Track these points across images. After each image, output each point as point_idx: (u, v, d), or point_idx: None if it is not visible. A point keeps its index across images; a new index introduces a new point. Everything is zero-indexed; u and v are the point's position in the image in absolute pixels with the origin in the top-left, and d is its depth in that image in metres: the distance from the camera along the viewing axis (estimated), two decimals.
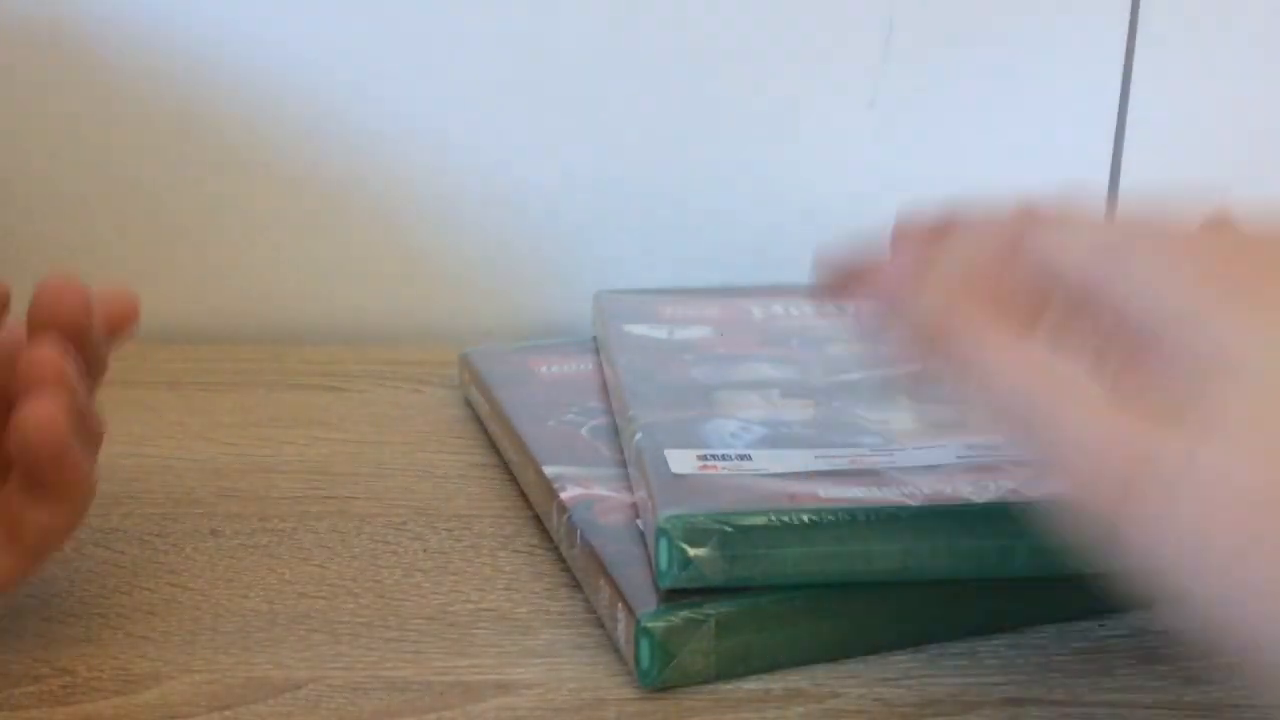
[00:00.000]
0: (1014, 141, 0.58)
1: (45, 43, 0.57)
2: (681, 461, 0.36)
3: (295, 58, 0.58)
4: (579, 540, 0.36)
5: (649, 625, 0.32)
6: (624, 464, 0.41)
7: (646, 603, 0.32)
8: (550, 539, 0.40)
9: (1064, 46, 0.57)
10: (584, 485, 0.39)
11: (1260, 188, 0.59)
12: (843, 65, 0.57)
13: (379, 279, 0.61)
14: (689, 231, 0.60)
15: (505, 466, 0.45)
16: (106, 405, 0.34)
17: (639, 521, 0.36)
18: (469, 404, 0.51)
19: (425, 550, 0.39)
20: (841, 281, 0.34)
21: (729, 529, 0.32)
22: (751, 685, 0.32)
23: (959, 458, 0.36)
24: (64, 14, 0.57)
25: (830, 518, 0.32)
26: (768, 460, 0.36)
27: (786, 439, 0.38)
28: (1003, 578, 0.34)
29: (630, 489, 0.39)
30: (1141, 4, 0.56)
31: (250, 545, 0.39)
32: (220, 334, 0.61)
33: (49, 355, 0.30)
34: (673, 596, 0.32)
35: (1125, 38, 0.57)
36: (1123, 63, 0.57)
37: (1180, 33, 0.57)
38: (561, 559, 0.39)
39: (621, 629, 0.33)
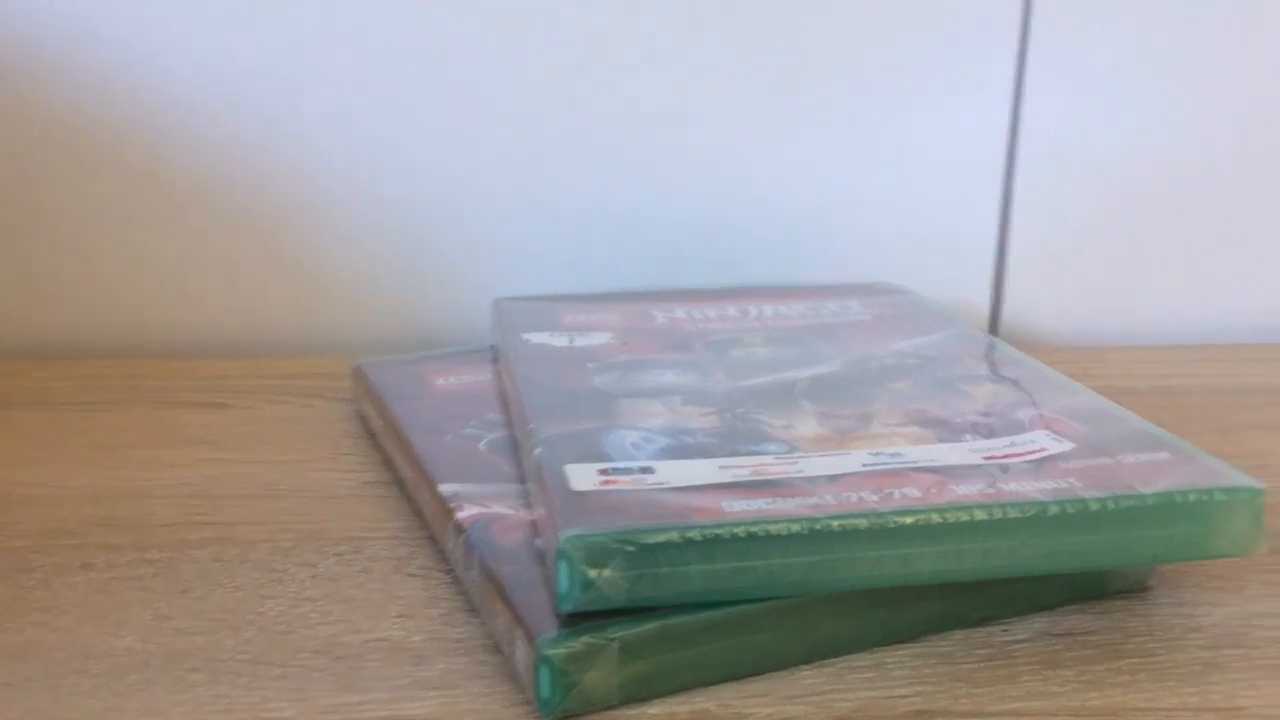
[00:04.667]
0: (911, 139, 0.58)
1: None
2: (582, 477, 0.34)
3: (181, 61, 0.55)
4: (476, 562, 0.35)
5: (549, 653, 0.30)
6: (524, 479, 0.39)
7: (546, 628, 0.31)
8: (447, 561, 0.38)
9: (959, 42, 0.57)
10: (482, 503, 0.38)
11: (1152, 189, 0.60)
12: (742, 68, 0.57)
13: (267, 288, 0.59)
14: (589, 236, 0.59)
15: (400, 485, 0.44)
16: None
17: (539, 541, 0.35)
18: (362, 419, 0.50)
19: (314, 577, 0.37)
20: None
21: (631, 548, 0.31)
22: (656, 710, 0.31)
23: (864, 465, 0.36)
24: None
25: (734, 533, 0.31)
26: (671, 472, 0.35)
27: (690, 449, 0.37)
28: (908, 587, 0.33)
29: (530, 505, 0.37)
30: (1034, 5, 0.57)
31: (125, 578, 0.37)
32: (99, 349, 0.59)
33: None
34: (574, 620, 0.31)
35: (1019, 33, 0.57)
36: (1016, 57, 0.58)
37: (1071, 31, 0.57)
38: (458, 582, 0.37)
39: (521, 656, 0.32)
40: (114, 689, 0.32)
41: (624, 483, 0.34)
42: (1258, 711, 0.31)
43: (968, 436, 0.38)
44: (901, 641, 0.34)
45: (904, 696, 0.32)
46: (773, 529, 0.32)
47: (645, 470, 0.35)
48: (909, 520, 0.32)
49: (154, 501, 0.42)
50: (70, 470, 0.44)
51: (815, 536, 0.32)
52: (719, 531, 0.31)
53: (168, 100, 0.56)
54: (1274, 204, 0.60)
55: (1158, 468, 0.35)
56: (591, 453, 0.36)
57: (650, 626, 0.31)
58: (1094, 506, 0.33)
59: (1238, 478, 0.34)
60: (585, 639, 0.31)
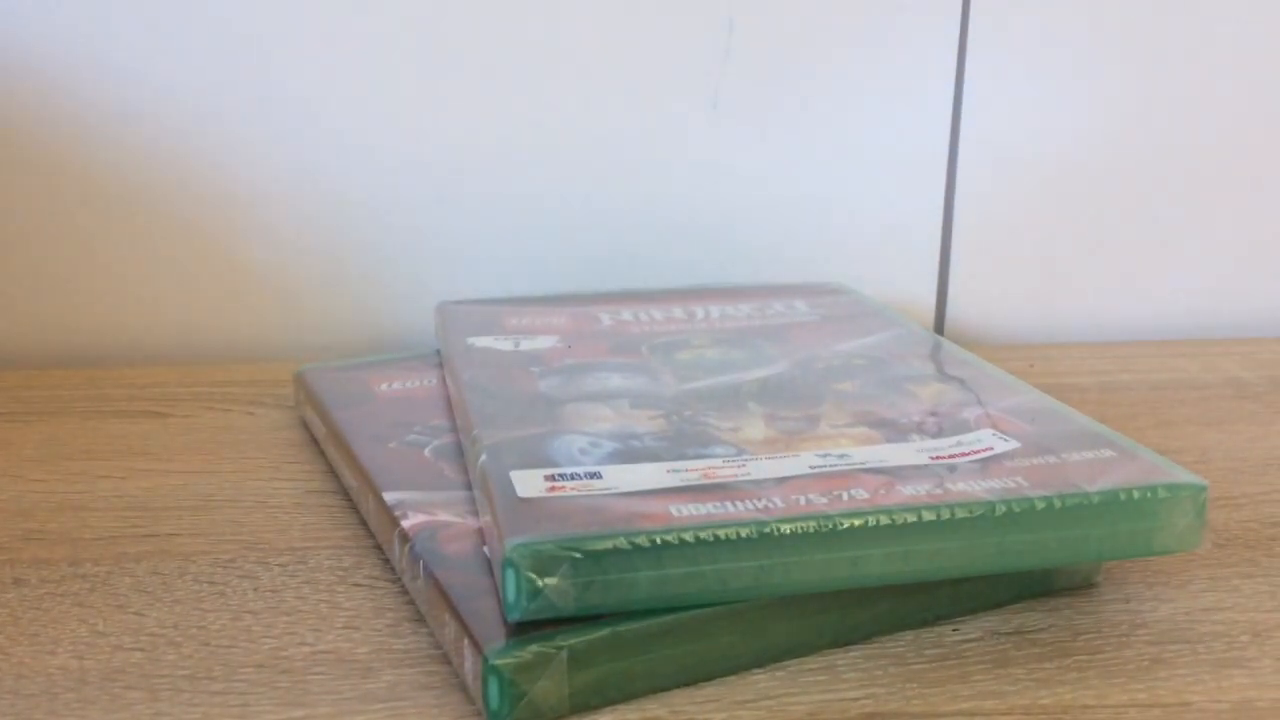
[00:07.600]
0: (854, 139, 0.59)
1: None
2: (528, 483, 0.34)
3: (117, 65, 0.54)
4: (422, 572, 0.34)
5: (497, 663, 0.30)
6: (470, 486, 0.39)
7: (494, 637, 0.31)
8: (393, 571, 0.38)
9: (899, 44, 0.57)
10: (427, 511, 0.37)
11: (1089, 183, 0.61)
12: (685, 67, 0.57)
13: (206, 294, 0.57)
14: (534, 239, 0.58)
15: (344, 493, 0.43)
16: None
17: (486, 549, 0.35)
18: (305, 426, 0.49)
19: (256, 589, 0.37)
20: None
21: (579, 555, 0.30)
22: (608, 718, 0.31)
23: (811, 467, 0.35)
24: None
25: (683, 538, 0.31)
26: (618, 477, 0.35)
27: (637, 453, 0.37)
28: (857, 588, 0.33)
29: (477, 513, 0.37)
30: (973, 5, 0.57)
31: (59, 594, 0.36)
32: (28, 358, 0.57)
33: None
34: (522, 629, 0.31)
35: (958, 34, 0.58)
36: (956, 58, 0.58)
37: (1011, 32, 0.58)
38: (405, 592, 0.37)
39: (469, 666, 0.31)
40: (49, 708, 0.31)
41: (571, 489, 0.34)
42: (1205, 706, 0.31)
43: (915, 436, 0.38)
44: (852, 643, 0.34)
45: (856, 699, 0.32)
46: (721, 533, 0.31)
47: (593, 475, 0.35)
48: (858, 522, 0.32)
49: (89, 514, 0.41)
50: None
51: (764, 540, 0.32)
52: (667, 537, 0.31)
53: (100, 104, 0.54)
54: (1212, 202, 0.61)
55: (1102, 465, 0.35)
56: (538, 459, 0.36)
57: (600, 634, 0.31)
58: (1040, 505, 0.33)
59: (1180, 474, 0.35)
60: (534, 648, 0.30)
